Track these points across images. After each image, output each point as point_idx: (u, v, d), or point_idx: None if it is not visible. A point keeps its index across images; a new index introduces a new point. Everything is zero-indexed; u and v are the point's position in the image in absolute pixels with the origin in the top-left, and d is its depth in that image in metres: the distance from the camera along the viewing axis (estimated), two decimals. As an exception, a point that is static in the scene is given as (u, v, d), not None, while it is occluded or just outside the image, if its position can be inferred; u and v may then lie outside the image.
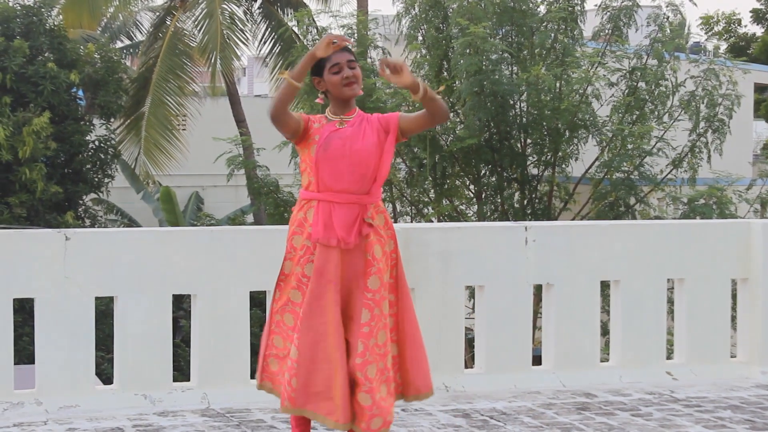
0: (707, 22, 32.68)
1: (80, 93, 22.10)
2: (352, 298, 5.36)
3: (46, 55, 20.95)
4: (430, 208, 17.05)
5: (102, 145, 21.91)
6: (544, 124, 16.23)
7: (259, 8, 25.17)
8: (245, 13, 24.79)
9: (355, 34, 17.28)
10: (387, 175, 5.51)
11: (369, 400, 5.30)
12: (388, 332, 5.39)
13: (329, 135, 5.36)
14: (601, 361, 8.04)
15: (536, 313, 9.01)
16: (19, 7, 21.19)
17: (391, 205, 16.83)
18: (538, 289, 8.27)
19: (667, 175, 16.80)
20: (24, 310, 7.05)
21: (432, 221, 16.62)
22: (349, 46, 5.50)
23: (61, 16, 23.21)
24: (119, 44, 29.78)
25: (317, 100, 5.51)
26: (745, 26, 33.06)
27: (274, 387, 5.53)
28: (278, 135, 18.68)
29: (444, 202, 16.82)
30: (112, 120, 22.69)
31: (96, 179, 21.81)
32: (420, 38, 16.72)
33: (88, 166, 21.57)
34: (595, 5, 17.22)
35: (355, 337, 5.31)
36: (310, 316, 5.31)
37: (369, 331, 5.30)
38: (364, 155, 5.36)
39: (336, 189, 5.35)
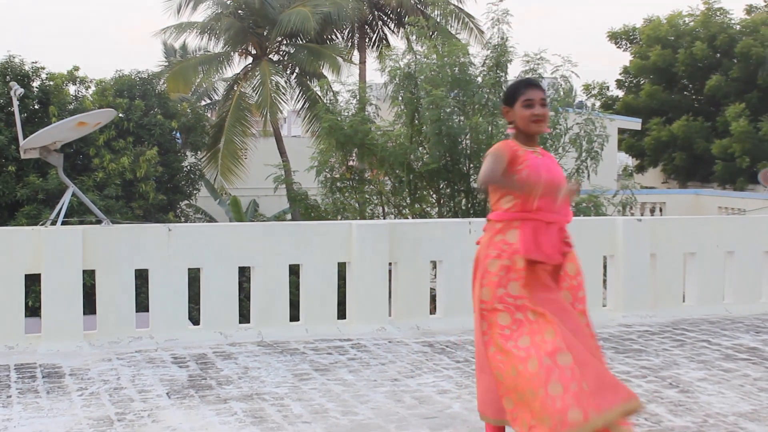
0: (587, 87, 32.77)
1: (178, 135, 22.02)
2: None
3: (155, 110, 20.87)
4: (407, 209, 17.00)
5: (192, 169, 21.82)
6: (481, 154, 16.19)
7: (294, 79, 25.21)
8: (285, 82, 24.78)
9: (357, 96, 17.25)
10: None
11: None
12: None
13: (537, 162, 3.95)
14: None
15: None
16: (138, 79, 21.16)
17: (381, 208, 16.78)
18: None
19: (561, 187, 16.76)
20: (142, 276, 7.03)
21: (408, 218, 16.59)
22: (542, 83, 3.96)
23: (165, 84, 23.25)
24: (203, 102, 29.73)
25: (508, 131, 4.07)
26: (612, 90, 33.26)
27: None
28: (307, 161, 18.07)
29: (416, 205, 16.78)
30: (198, 153, 22.65)
31: (188, 191, 21.71)
32: (399, 98, 16.62)
33: (183, 183, 21.46)
34: (514, 76, 17.23)
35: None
36: (564, 331, 3.83)
37: None
38: (561, 181, 4.00)
39: (546, 209, 3.90)
